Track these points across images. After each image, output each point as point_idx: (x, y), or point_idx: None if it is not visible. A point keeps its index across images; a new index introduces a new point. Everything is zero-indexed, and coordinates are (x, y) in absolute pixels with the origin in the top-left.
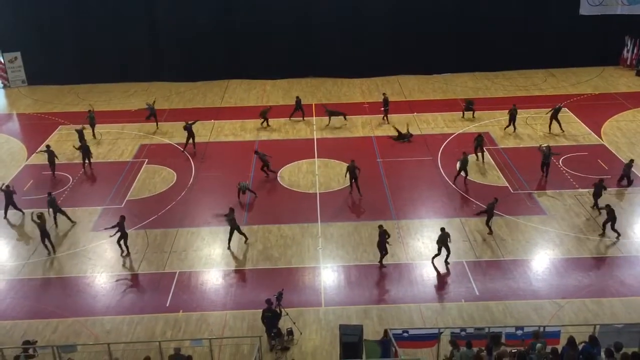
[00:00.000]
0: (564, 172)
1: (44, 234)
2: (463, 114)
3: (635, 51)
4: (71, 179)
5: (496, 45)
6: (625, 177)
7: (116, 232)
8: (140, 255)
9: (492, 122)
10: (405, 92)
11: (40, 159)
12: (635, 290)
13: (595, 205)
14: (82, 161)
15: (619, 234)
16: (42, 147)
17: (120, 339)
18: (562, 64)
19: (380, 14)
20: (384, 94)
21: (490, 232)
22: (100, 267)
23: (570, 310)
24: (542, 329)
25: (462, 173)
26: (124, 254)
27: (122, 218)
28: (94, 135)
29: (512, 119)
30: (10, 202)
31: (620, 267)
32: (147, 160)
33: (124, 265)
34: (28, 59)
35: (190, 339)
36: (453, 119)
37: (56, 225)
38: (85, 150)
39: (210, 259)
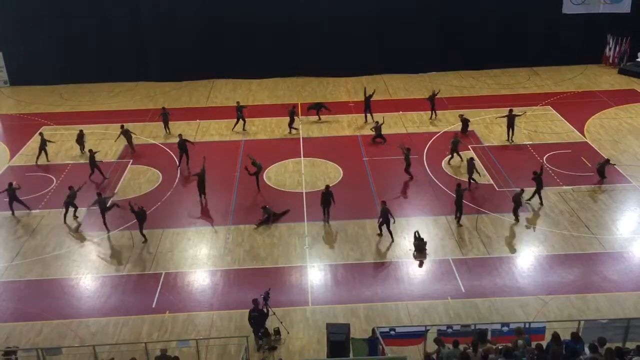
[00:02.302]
0: (548, 169)
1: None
2: (432, 114)
3: (617, 49)
4: (55, 180)
5: (480, 44)
6: (598, 174)
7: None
8: (126, 257)
9: (477, 120)
10: (391, 91)
11: (24, 160)
12: (619, 285)
13: (515, 215)
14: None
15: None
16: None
17: (106, 341)
18: (545, 62)
19: (366, 12)
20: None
21: (517, 220)
22: (85, 268)
23: (555, 306)
24: (527, 325)
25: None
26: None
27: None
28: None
29: (511, 126)
30: (14, 199)
31: (604, 263)
32: (132, 160)
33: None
34: (10, 59)
35: (176, 340)
36: (438, 117)
37: (108, 230)
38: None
39: (197, 259)
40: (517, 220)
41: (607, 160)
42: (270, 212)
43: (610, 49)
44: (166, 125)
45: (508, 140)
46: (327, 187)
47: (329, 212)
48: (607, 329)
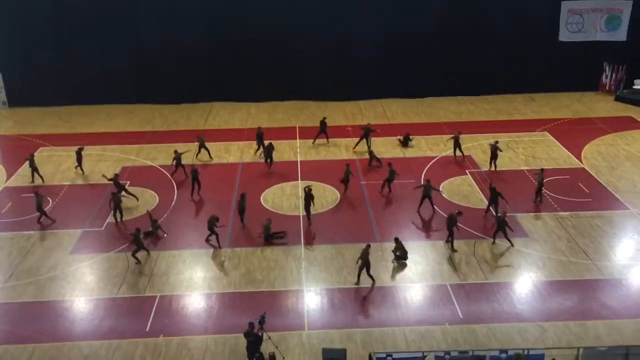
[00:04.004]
0: (545, 194)
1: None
2: (404, 143)
3: (613, 77)
4: (51, 201)
5: (479, 70)
6: (540, 187)
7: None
8: (120, 279)
9: (474, 146)
10: (389, 115)
11: (20, 181)
12: (618, 312)
13: (494, 211)
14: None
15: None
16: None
17: None
18: (542, 89)
19: (365, 38)
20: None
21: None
22: (79, 290)
23: (553, 333)
24: (526, 352)
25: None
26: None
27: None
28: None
29: (493, 156)
30: (40, 208)
31: (603, 290)
32: (129, 182)
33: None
34: (9, 81)
35: None
36: (436, 142)
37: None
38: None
39: (192, 282)
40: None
41: (542, 170)
42: (268, 229)
43: (606, 77)
44: (205, 150)
45: (491, 168)
46: (309, 188)
47: (310, 213)
48: (606, 356)
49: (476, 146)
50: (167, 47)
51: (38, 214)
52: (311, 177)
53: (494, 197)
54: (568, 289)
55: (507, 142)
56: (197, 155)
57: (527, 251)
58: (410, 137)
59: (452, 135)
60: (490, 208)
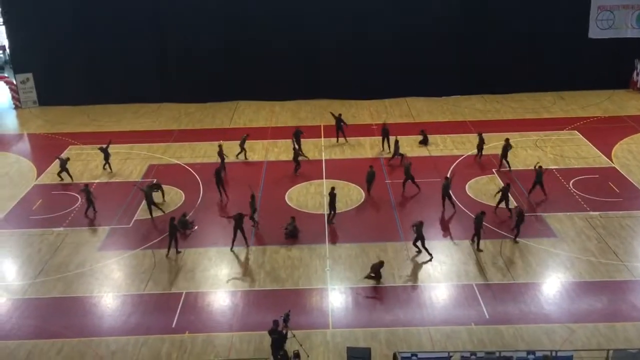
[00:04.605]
0: (574, 194)
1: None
2: (425, 141)
3: None
4: (79, 199)
5: (505, 68)
6: (538, 184)
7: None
8: (147, 275)
9: (501, 145)
10: (414, 114)
11: (50, 178)
12: None
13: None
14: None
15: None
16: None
17: None
18: (571, 87)
19: (390, 36)
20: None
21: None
22: (106, 287)
23: (582, 334)
24: (554, 353)
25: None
26: None
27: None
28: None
29: (504, 155)
30: (89, 202)
31: (633, 291)
32: (155, 180)
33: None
34: (40, 80)
35: None
36: (462, 140)
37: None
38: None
39: (218, 279)
40: (516, 239)
41: (540, 167)
42: (293, 225)
43: (637, 74)
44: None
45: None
46: (332, 188)
47: (334, 213)
48: (637, 358)
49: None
50: (193, 45)
51: (86, 206)
52: (336, 176)
53: (504, 194)
54: (597, 290)
55: (535, 141)
56: (244, 154)
57: (556, 251)
58: (424, 132)
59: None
60: (503, 205)
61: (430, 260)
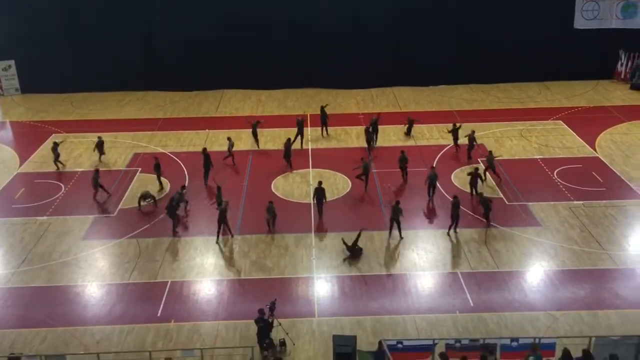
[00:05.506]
0: (559, 183)
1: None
2: (408, 132)
3: (629, 65)
4: (63, 187)
5: (491, 58)
6: (490, 169)
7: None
8: (132, 265)
9: (487, 134)
10: (401, 104)
11: (32, 167)
12: (631, 302)
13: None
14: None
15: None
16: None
17: (110, 349)
18: (556, 77)
19: (377, 25)
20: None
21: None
22: (91, 276)
23: (565, 322)
24: (537, 340)
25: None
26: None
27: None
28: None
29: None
30: (96, 184)
31: (616, 280)
32: (140, 169)
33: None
34: (22, 67)
35: (181, 349)
36: (448, 130)
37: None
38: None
39: (203, 268)
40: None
41: (490, 152)
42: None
43: (622, 65)
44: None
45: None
46: (320, 182)
47: (322, 207)
48: (618, 346)
49: (489, 134)
50: (178, 33)
51: (94, 190)
52: (322, 165)
53: (472, 179)
54: (580, 278)
55: (520, 131)
56: (257, 143)
57: (540, 240)
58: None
59: (467, 134)
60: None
61: (402, 239)
